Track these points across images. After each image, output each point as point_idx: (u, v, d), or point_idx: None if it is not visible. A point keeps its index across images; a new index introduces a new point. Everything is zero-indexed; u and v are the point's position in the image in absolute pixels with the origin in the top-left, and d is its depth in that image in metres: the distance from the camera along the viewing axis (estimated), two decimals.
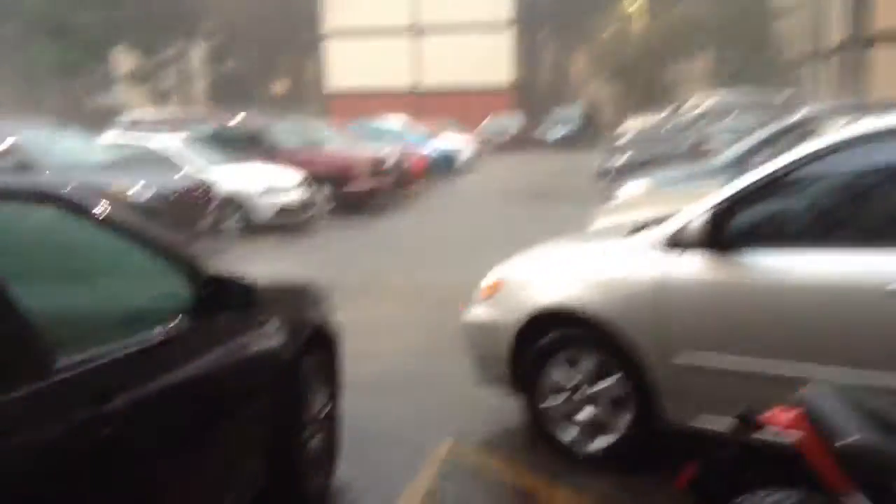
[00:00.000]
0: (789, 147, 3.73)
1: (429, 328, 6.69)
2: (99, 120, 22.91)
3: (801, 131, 7.67)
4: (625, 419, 3.88)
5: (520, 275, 4.29)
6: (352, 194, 14.55)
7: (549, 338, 4.01)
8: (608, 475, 3.85)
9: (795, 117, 8.95)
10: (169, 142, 13.03)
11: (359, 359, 5.49)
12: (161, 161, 12.35)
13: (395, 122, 24.01)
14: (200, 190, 10.83)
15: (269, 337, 3.28)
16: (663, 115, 26.77)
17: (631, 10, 44.99)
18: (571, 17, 47.63)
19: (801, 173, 3.54)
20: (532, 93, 42.98)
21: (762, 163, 3.87)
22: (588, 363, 3.93)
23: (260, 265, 9.81)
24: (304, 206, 13.15)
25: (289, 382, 3.35)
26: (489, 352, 4.30)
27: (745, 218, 3.53)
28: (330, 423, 3.85)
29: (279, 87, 49.10)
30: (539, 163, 27.31)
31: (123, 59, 44.65)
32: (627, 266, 3.80)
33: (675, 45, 42.58)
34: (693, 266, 3.57)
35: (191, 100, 43.04)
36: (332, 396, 3.90)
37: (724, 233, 3.50)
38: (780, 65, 40.68)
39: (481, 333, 4.36)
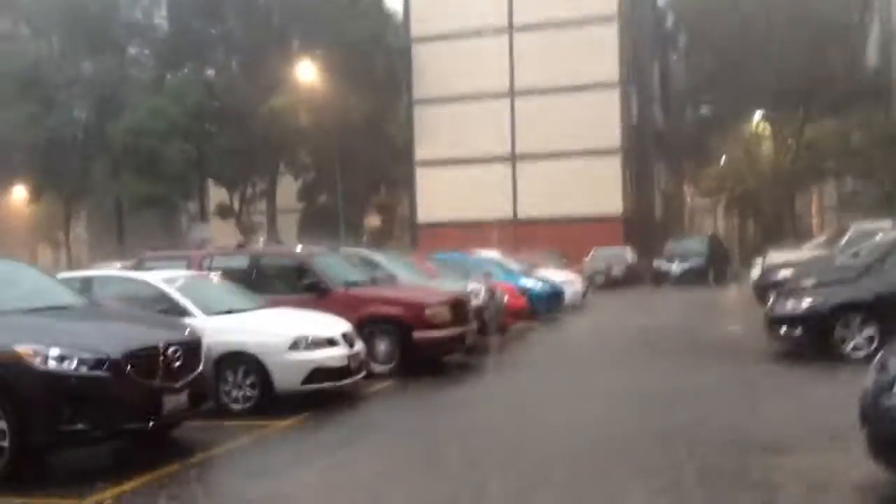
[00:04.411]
0: None
1: None
2: None
3: None
4: None
5: None
6: (423, 343, 10.39)
7: None
8: None
9: None
10: (165, 277, 9.35)
11: None
12: (158, 303, 8.69)
13: (486, 253, 20.00)
14: (182, 349, 6.81)
15: None
16: (818, 245, 22.19)
17: (752, 134, 40.60)
18: (682, 142, 43.73)
19: None
20: (641, 223, 38.53)
21: None
22: None
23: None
24: (351, 363, 9.02)
25: None
26: None
27: None
28: None
29: (372, 220, 47.07)
30: (665, 301, 22.58)
31: (215, 194, 43.97)
32: None
33: (806, 172, 37.60)
34: None
35: (281, 234, 41.05)
36: None
37: None
38: None
39: None
